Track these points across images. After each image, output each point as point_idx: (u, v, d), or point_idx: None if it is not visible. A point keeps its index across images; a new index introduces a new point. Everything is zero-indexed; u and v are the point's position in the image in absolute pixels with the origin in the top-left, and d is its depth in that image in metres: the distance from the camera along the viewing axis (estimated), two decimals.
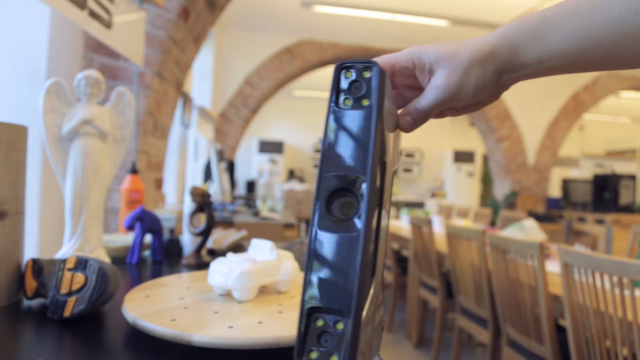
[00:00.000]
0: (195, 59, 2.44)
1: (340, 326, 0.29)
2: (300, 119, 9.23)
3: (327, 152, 0.32)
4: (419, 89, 0.41)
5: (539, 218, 4.57)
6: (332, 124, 0.33)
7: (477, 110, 0.42)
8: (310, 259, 0.31)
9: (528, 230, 2.48)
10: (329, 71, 7.01)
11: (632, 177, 5.18)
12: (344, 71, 0.34)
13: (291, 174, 8.78)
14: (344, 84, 0.33)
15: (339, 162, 0.31)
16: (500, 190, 6.75)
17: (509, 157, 6.47)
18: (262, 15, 5.23)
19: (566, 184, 5.90)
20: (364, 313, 0.30)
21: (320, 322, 0.30)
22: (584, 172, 8.68)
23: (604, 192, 5.13)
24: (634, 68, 0.36)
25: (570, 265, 1.41)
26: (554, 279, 1.77)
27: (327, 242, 0.31)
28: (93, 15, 1.20)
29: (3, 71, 1.40)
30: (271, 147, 8.60)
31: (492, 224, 4.86)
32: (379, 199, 0.33)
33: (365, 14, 5.00)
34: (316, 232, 0.31)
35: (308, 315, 0.30)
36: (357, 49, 5.95)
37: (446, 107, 0.40)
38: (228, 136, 5.41)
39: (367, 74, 0.33)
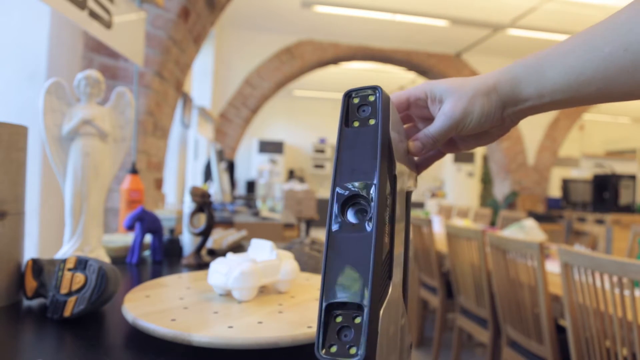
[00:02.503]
0: (195, 59, 2.44)
1: (358, 320, 0.31)
2: (300, 119, 9.23)
3: (339, 166, 0.35)
4: (432, 120, 0.44)
5: (539, 218, 4.57)
6: (343, 142, 0.36)
7: (487, 143, 0.45)
8: (326, 259, 0.33)
9: (528, 230, 2.48)
10: (329, 71, 7.02)
11: (632, 177, 5.18)
12: (351, 98, 0.38)
13: (291, 174, 8.78)
14: (352, 109, 0.37)
15: (351, 174, 0.35)
16: (500, 190, 6.75)
17: (509, 157, 6.47)
18: (262, 15, 5.23)
19: (566, 184, 5.89)
20: (382, 308, 0.32)
21: (339, 319, 0.32)
22: (584, 172, 8.68)
23: (604, 192, 5.12)
24: (632, 100, 0.37)
25: (570, 265, 1.41)
26: (554, 279, 1.77)
27: (342, 243, 0.33)
28: (93, 15, 1.20)
29: (3, 71, 1.40)
30: (271, 147, 8.60)
31: (492, 224, 4.86)
32: (391, 206, 0.36)
33: (365, 14, 5.00)
34: (331, 235, 0.33)
35: (327, 311, 0.32)
36: (357, 49, 5.95)
37: (454, 134, 0.43)
38: (228, 136, 5.41)
39: (371, 98, 0.37)
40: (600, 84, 0.35)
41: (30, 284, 0.62)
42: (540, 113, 0.41)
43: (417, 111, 0.45)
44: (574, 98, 0.37)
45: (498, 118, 0.41)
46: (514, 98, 0.40)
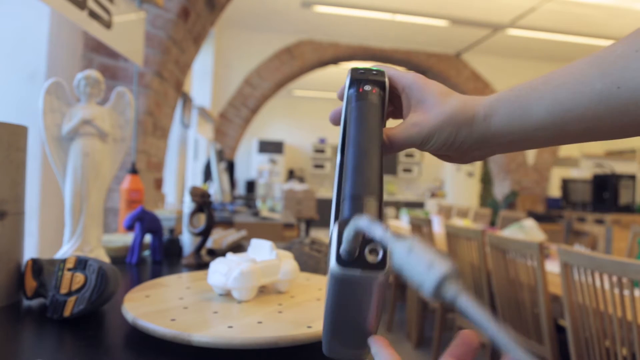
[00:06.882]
0: (195, 59, 2.44)
1: None
2: (300, 119, 9.23)
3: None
4: (395, 107, 0.42)
5: (539, 218, 4.56)
6: None
7: (445, 160, 0.42)
8: None
9: (528, 230, 2.48)
10: (329, 71, 7.01)
11: (632, 177, 5.18)
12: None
13: (291, 174, 8.78)
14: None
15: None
16: (500, 190, 6.75)
17: (508, 157, 6.47)
18: (262, 15, 5.23)
19: (566, 184, 5.89)
20: None
21: None
22: (584, 172, 8.68)
23: (604, 192, 5.12)
24: (615, 139, 0.35)
25: (569, 265, 1.41)
26: (554, 279, 1.77)
27: None
28: (93, 15, 1.20)
29: (3, 71, 1.40)
30: (271, 147, 8.59)
31: (492, 224, 4.86)
32: None
33: (365, 14, 5.00)
34: None
35: None
36: (357, 49, 5.95)
37: (414, 146, 0.41)
38: (228, 136, 5.41)
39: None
40: (590, 122, 0.33)
41: (30, 284, 0.62)
42: (518, 151, 0.39)
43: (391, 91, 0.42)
44: (559, 136, 0.35)
45: (462, 150, 0.39)
46: (489, 134, 0.37)
